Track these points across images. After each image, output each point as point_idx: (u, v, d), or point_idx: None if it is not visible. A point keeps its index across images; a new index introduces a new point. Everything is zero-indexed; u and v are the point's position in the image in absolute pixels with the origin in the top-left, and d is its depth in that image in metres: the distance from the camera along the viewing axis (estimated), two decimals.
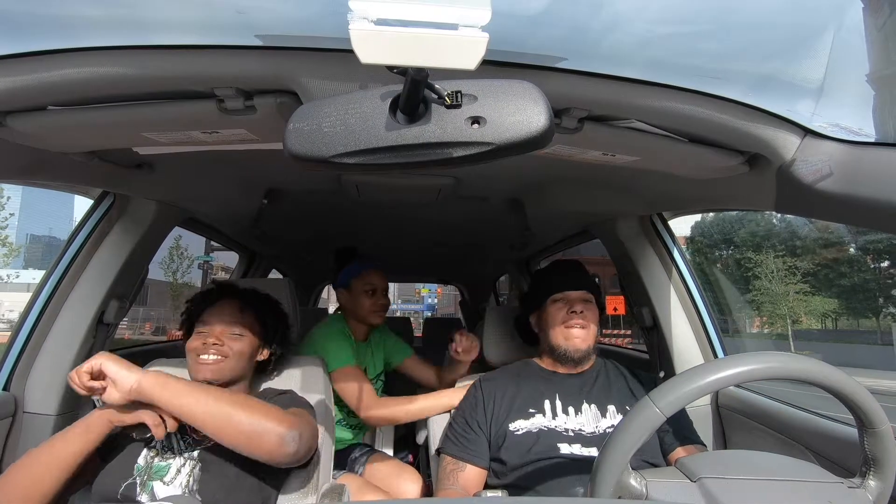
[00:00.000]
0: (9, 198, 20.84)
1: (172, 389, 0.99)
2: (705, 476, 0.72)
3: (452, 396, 1.54)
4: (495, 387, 1.38)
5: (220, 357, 1.20)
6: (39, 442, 1.37)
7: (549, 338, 1.39)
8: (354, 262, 1.90)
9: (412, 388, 1.92)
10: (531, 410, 1.31)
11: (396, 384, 2.09)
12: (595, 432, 1.27)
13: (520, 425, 1.29)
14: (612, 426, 1.26)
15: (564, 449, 1.24)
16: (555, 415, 1.31)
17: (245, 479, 1.08)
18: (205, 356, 1.19)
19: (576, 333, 1.35)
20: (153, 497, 1.04)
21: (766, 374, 0.71)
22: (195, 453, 1.10)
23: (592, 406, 1.32)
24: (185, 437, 1.13)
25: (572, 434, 1.27)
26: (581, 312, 1.35)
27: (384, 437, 2.08)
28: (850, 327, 25.53)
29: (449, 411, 1.53)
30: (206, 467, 1.08)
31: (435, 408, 1.55)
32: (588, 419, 1.29)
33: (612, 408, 1.31)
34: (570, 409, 1.31)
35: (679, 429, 1.27)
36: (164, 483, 1.06)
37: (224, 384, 1.20)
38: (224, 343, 1.21)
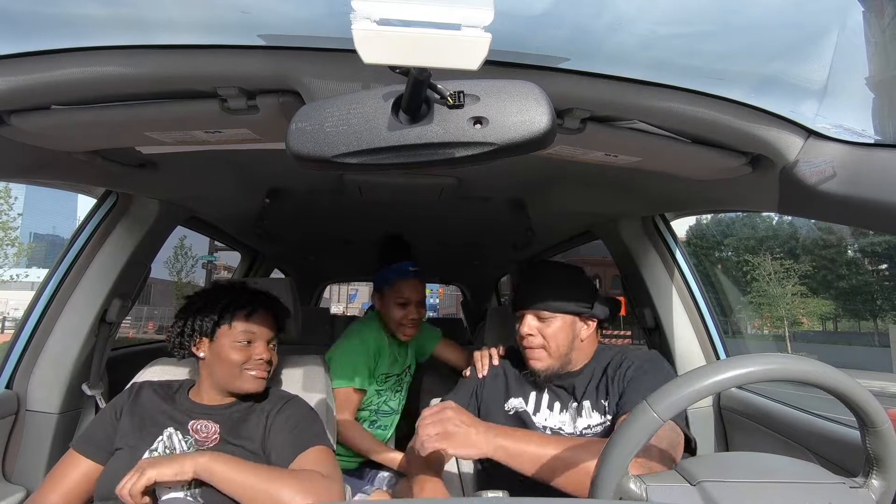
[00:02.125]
0: (16, 198, 20.87)
1: (222, 474, 1.01)
2: (705, 479, 0.72)
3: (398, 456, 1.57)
4: (501, 365, 1.41)
5: (267, 372, 1.22)
6: (41, 440, 1.39)
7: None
8: (392, 268, 1.77)
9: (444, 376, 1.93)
10: (518, 397, 1.32)
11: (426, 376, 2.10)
12: (574, 433, 1.22)
13: (511, 404, 1.32)
14: (589, 426, 1.22)
15: None
16: (537, 409, 1.29)
17: None
18: (254, 372, 1.20)
19: (529, 354, 1.27)
20: (155, 499, 1.04)
21: (765, 376, 0.71)
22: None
23: (585, 403, 1.25)
24: (187, 437, 1.14)
25: (549, 433, 1.23)
26: (530, 336, 1.25)
27: (387, 442, 2.07)
28: (851, 329, 25.48)
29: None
30: None
31: (383, 459, 1.59)
32: (568, 419, 1.25)
33: (587, 404, 1.25)
34: (556, 405, 1.28)
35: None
36: (167, 486, 1.06)
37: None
38: (271, 358, 1.23)
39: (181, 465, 0.99)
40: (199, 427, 1.16)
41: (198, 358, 1.24)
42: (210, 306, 1.23)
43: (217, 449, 1.12)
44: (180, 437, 1.14)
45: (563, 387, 1.30)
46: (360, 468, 1.73)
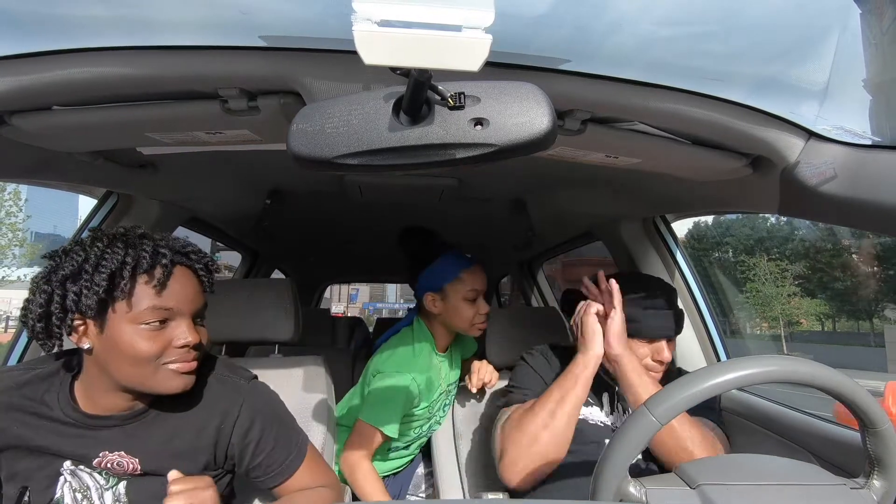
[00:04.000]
0: (26, 200, 20.65)
1: None
2: (705, 482, 0.71)
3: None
4: (545, 364, 1.32)
5: (196, 360, 0.85)
6: None
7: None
8: (445, 260, 1.49)
9: None
10: (589, 400, 1.24)
11: None
12: None
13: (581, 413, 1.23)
14: None
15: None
16: (612, 410, 1.26)
17: None
18: (176, 365, 0.82)
19: (656, 377, 1.22)
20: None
21: (765, 377, 0.70)
22: (121, 488, 0.85)
23: None
24: (97, 469, 0.86)
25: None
26: (668, 361, 1.24)
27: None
28: (849, 329, 25.53)
29: None
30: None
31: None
32: None
33: None
34: (620, 407, 1.27)
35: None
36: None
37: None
38: (199, 340, 0.85)
39: None
40: (108, 464, 0.85)
41: (80, 349, 0.82)
42: (92, 269, 0.77)
43: (139, 481, 0.86)
44: (88, 471, 0.84)
45: None
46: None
